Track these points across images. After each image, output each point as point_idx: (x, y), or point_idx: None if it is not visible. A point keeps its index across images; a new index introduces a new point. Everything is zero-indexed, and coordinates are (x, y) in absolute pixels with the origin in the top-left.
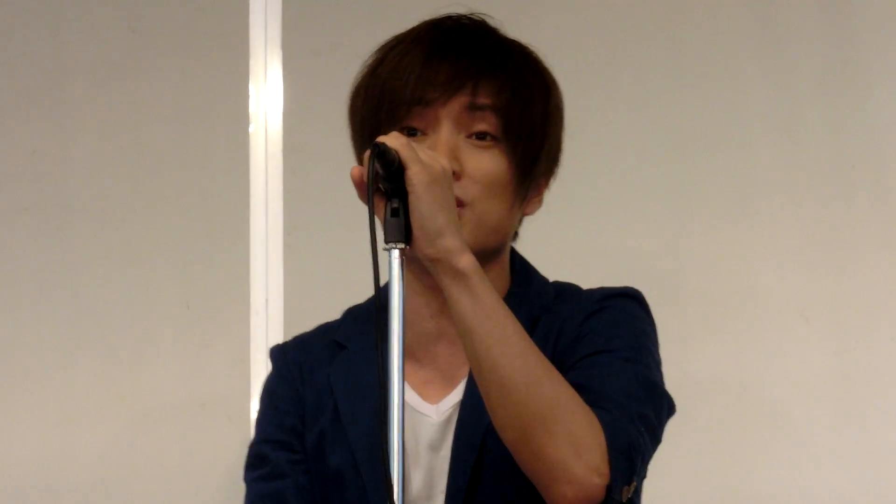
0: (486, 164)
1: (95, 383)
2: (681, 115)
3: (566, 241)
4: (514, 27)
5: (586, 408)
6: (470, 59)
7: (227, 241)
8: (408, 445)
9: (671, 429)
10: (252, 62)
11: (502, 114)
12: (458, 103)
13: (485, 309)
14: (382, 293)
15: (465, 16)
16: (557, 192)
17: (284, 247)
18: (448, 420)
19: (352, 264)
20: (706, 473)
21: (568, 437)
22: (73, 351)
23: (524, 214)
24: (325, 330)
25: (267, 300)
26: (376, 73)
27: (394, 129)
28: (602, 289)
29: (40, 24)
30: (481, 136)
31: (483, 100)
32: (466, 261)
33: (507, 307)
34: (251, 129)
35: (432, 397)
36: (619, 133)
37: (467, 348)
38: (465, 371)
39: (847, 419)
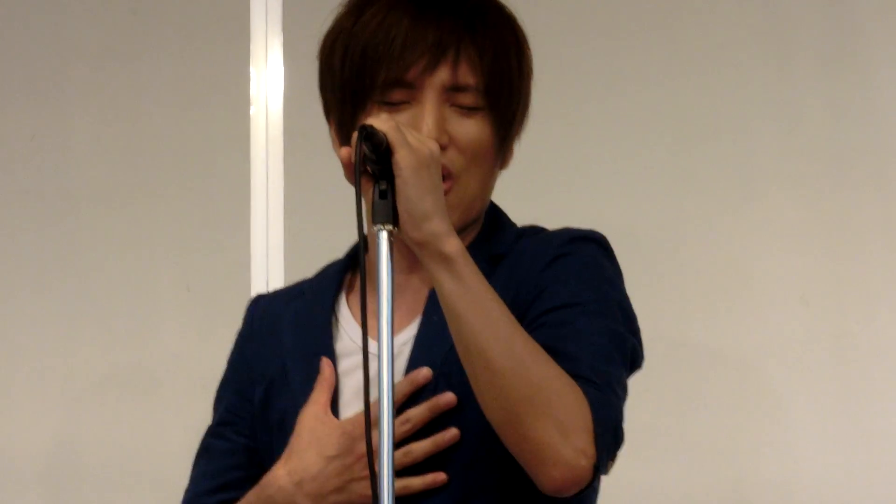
0: (473, 132)
1: (96, 366)
2: (682, 101)
3: (566, 221)
4: (514, 11)
5: (574, 386)
6: (452, 22)
7: (228, 224)
8: (346, 386)
9: (670, 407)
10: (253, 45)
11: (486, 83)
12: (442, 74)
13: (471, 293)
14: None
15: None
16: (559, 175)
17: (285, 229)
18: (396, 357)
19: (352, 245)
20: (705, 457)
21: (555, 420)
22: (75, 334)
23: (501, 169)
24: (299, 283)
25: (267, 282)
26: (354, 31)
27: (377, 98)
28: (565, 230)
29: (40, 8)
30: (466, 105)
31: (466, 74)
32: (453, 245)
33: (493, 290)
34: (252, 111)
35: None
36: (621, 119)
37: (454, 332)
38: (418, 312)
39: (846, 403)
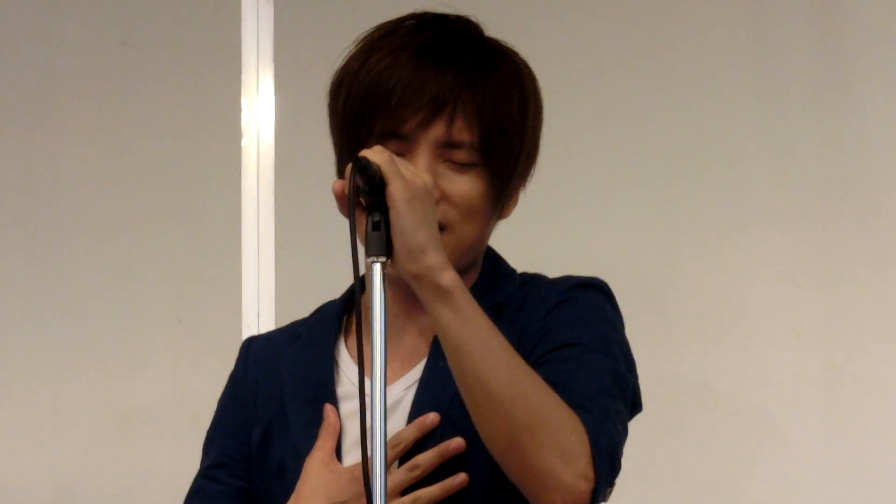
0: (466, 188)
1: (86, 397)
2: (674, 129)
3: (559, 253)
4: (508, 40)
5: (571, 413)
6: (452, 76)
7: (219, 255)
8: (350, 430)
9: (662, 440)
10: (244, 76)
11: (482, 141)
12: (437, 130)
13: (469, 325)
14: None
15: (449, 18)
16: (551, 203)
17: (276, 260)
18: (400, 400)
19: (343, 277)
20: (695, 485)
21: (555, 446)
22: (65, 364)
23: (500, 219)
24: (293, 324)
25: (258, 313)
26: (358, 75)
27: (374, 142)
28: (567, 278)
29: (33, 38)
30: (460, 162)
31: (461, 131)
32: (449, 278)
33: (490, 321)
34: (243, 142)
35: (388, 380)
36: (613, 147)
37: (452, 363)
38: (422, 357)
39: (837, 433)
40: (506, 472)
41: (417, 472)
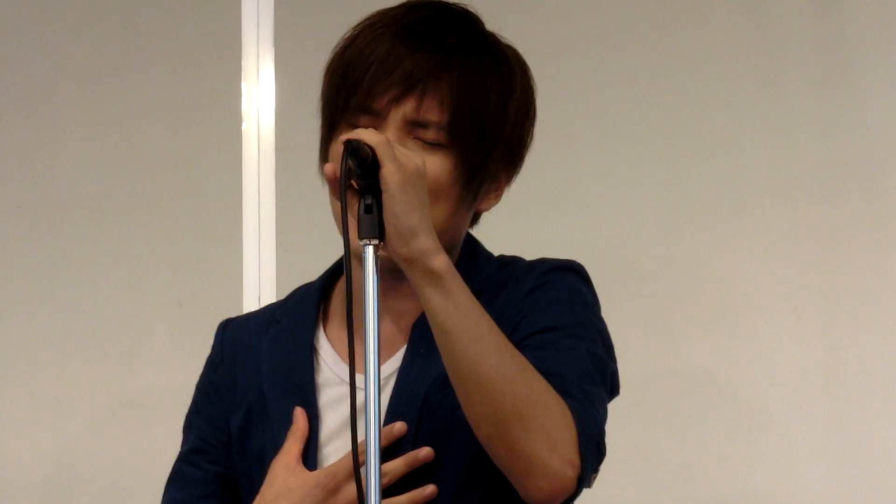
0: (432, 167)
1: (87, 381)
2: (673, 114)
3: (557, 240)
4: (505, 28)
5: (559, 400)
6: (428, 56)
7: (220, 239)
8: (328, 419)
9: (662, 426)
10: (244, 60)
11: (451, 121)
12: (406, 107)
13: (459, 308)
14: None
15: (447, 5)
16: (550, 190)
17: (277, 244)
18: (381, 389)
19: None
20: (695, 470)
21: (543, 432)
22: (66, 348)
23: (479, 211)
24: (269, 307)
25: (259, 298)
26: (344, 55)
27: (347, 120)
28: (544, 260)
29: (32, 23)
30: (428, 140)
31: (430, 110)
32: (440, 261)
33: (480, 306)
34: (244, 127)
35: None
36: (612, 133)
37: (442, 347)
38: (401, 344)
39: (837, 417)
40: (492, 458)
41: (385, 480)
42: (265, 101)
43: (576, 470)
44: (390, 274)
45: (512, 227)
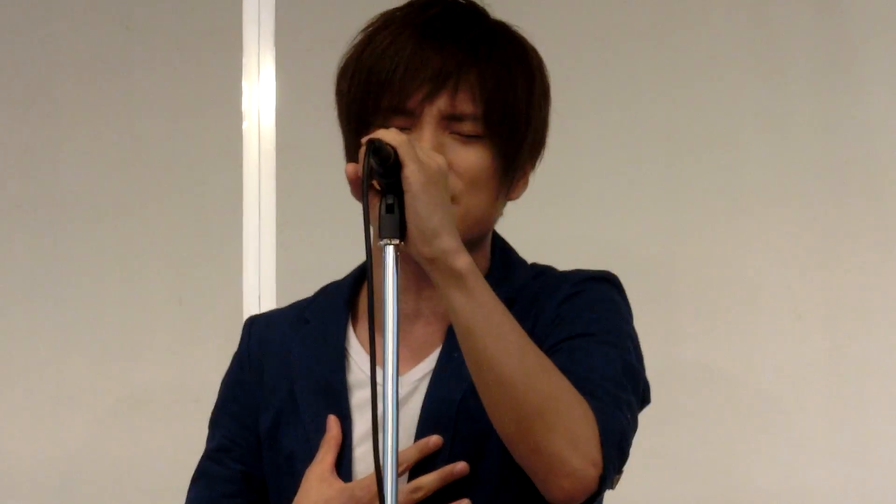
0: (471, 159)
1: (88, 379)
2: (675, 112)
3: (560, 238)
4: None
5: (581, 399)
6: (455, 50)
7: (221, 238)
8: (361, 421)
9: (665, 424)
10: (245, 59)
11: (485, 112)
12: (440, 102)
13: (482, 308)
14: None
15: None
16: (552, 188)
17: (277, 243)
18: (412, 392)
19: (344, 260)
20: (699, 469)
21: (565, 431)
22: (66, 346)
23: (509, 199)
24: (296, 306)
25: (259, 296)
26: (362, 57)
27: (379, 124)
28: (579, 271)
29: (33, 21)
30: (465, 133)
31: (464, 102)
32: (463, 261)
33: (503, 305)
34: (244, 125)
35: (400, 370)
36: (614, 130)
37: (465, 346)
38: (436, 346)
39: (839, 416)
40: (515, 458)
41: (419, 495)
42: (266, 99)
43: (598, 469)
44: (426, 276)
45: (514, 225)
